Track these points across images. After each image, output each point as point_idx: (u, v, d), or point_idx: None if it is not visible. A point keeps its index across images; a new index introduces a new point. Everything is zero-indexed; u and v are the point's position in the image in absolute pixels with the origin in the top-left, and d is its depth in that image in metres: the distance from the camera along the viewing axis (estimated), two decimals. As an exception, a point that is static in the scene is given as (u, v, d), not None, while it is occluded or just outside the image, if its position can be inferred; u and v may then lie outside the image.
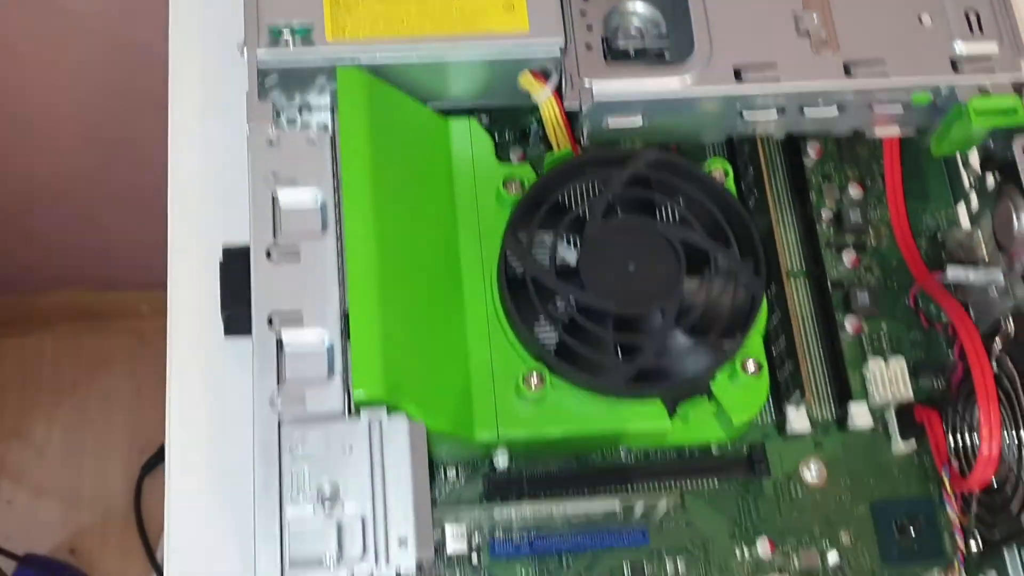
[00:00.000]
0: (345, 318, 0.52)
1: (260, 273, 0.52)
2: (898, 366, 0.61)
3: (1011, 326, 0.54)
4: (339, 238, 0.53)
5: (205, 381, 0.62)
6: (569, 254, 0.58)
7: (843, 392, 0.60)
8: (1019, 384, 0.53)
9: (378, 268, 0.53)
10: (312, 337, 0.51)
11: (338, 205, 0.54)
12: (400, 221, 0.55)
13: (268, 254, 0.53)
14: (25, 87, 1.06)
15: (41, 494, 1.33)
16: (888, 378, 0.60)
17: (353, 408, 0.50)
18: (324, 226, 0.53)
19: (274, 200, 0.54)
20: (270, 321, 0.51)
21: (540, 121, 0.61)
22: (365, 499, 0.48)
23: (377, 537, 0.48)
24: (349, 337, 0.51)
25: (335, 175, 0.54)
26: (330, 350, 0.51)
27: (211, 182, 0.66)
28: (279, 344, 0.51)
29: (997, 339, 0.55)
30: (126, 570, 1.31)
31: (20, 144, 1.15)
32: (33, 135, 1.14)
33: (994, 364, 0.54)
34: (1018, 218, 0.57)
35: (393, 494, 0.48)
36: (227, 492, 0.59)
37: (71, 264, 1.34)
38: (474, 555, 0.57)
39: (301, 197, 0.54)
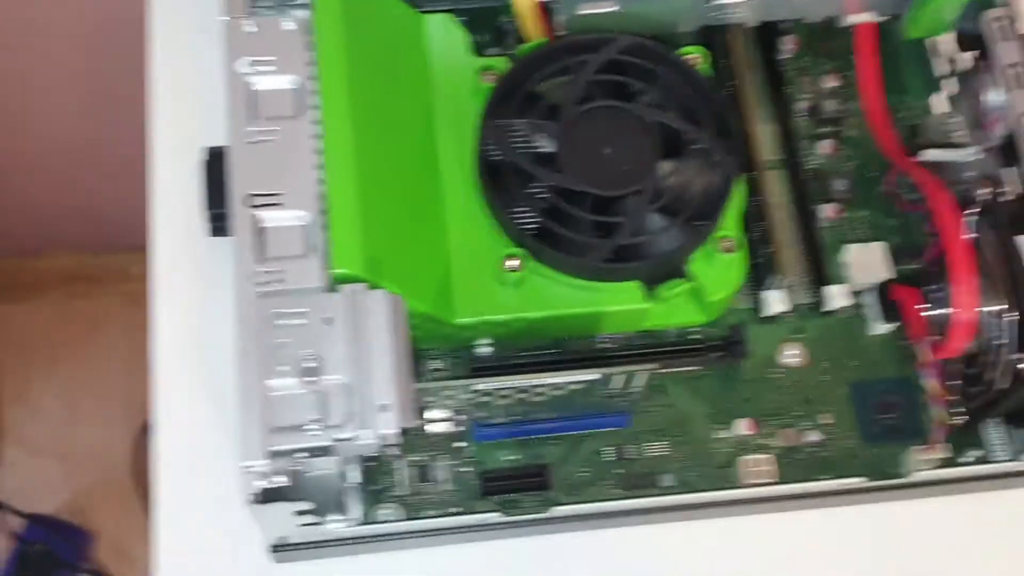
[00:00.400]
0: (323, 198, 0.52)
1: (238, 156, 0.53)
2: (877, 248, 0.61)
3: (984, 192, 0.54)
4: (316, 122, 0.54)
5: (190, 284, 0.62)
6: (544, 141, 0.59)
7: (821, 276, 0.61)
8: (993, 250, 0.53)
9: (354, 149, 0.53)
10: (291, 216, 0.52)
11: (313, 91, 0.54)
12: (375, 108, 0.55)
13: (245, 137, 0.53)
14: (6, 50, 1.06)
15: (42, 456, 1.34)
16: (868, 261, 0.61)
17: (332, 285, 0.51)
18: (300, 110, 0.54)
19: (249, 85, 0.54)
20: (249, 200, 0.52)
21: (515, 18, 0.62)
22: (346, 370, 0.49)
23: (359, 405, 0.48)
24: (327, 216, 0.52)
25: (311, 62, 0.55)
26: (308, 228, 0.52)
27: (193, 89, 0.66)
28: (258, 223, 0.51)
29: (970, 209, 0.55)
30: (129, 529, 1.32)
31: (4, 107, 1.15)
32: (18, 97, 1.14)
33: (968, 233, 0.55)
34: (990, 89, 0.57)
35: (375, 364, 0.49)
36: (217, 399, 0.59)
37: (61, 228, 1.34)
38: (458, 442, 0.57)
39: (277, 82, 0.54)
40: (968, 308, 0.53)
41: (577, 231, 0.56)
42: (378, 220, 0.53)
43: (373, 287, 0.51)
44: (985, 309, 0.54)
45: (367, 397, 0.48)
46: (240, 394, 0.48)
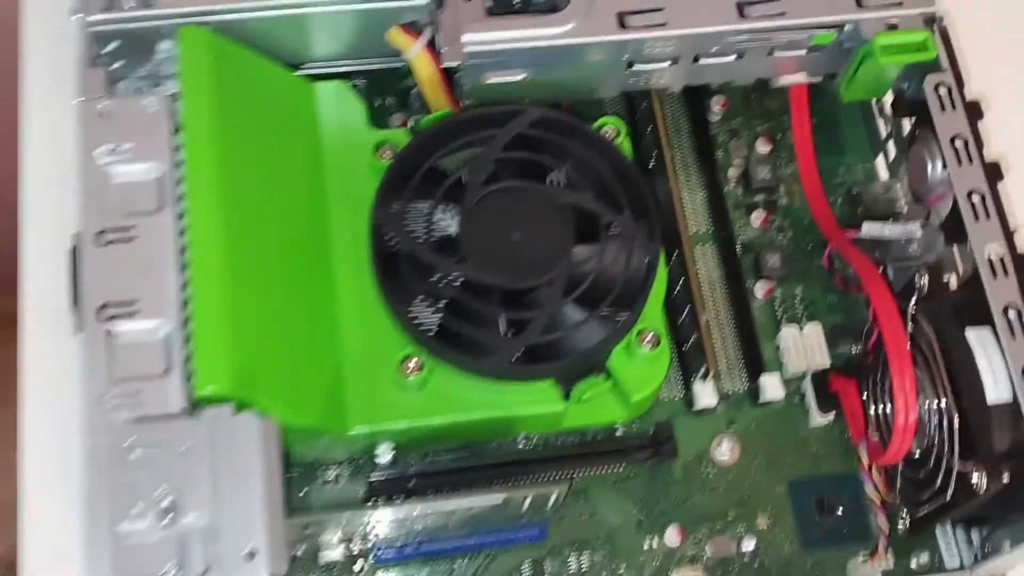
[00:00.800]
0: (186, 304, 0.46)
1: (90, 258, 0.47)
2: (814, 332, 0.56)
3: (924, 281, 0.49)
4: (180, 216, 0.48)
5: (59, 383, 0.56)
6: (450, 225, 0.53)
7: (755, 363, 0.56)
8: (936, 346, 0.48)
9: (224, 246, 0.47)
10: (148, 327, 0.46)
11: (178, 180, 0.48)
12: (253, 195, 0.50)
13: (98, 237, 0.47)
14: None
15: (-30, 509, 1.27)
16: (803, 346, 0.56)
17: (195, 406, 0.45)
18: (161, 203, 0.48)
19: (106, 176, 0.48)
20: (101, 312, 0.46)
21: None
22: (208, 509, 0.43)
23: (223, 552, 0.42)
24: (191, 326, 0.46)
25: (176, 146, 0.49)
26: (168, 341, 0.46)
27: (66, 172, 0.60)
28: (111, 337, 0.45)
29: (913, 299, 0.50)
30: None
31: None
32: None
33: (910, 325, 0.50)
34: (932, 162, 0.52)
35: (241, 502, 0.43)
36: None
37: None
38: (357, 562, 0.52)
39: (136, 172, 0.48)
40: (908, 413, 0.47)
41: (483, 329, 0.50)
42: (253, 326, 0.47)
43: (244, 407, 0.45)
44: (927, 405, 0.49)
45: (232, 541, 0.42)
46: (87, 539, 0.42)
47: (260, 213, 0.50)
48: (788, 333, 0.56)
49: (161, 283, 0.46)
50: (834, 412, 0.55)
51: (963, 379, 0.47)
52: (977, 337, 0.47)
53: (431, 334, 0.50)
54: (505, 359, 0.50)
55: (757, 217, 0.59)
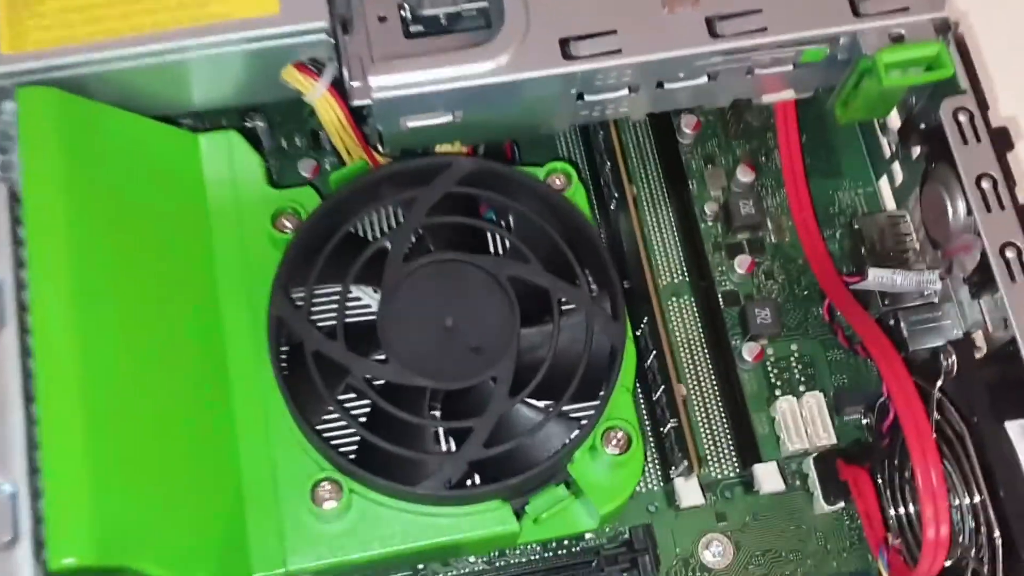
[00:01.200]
0: (35, 451, 0.37)
1: (-90, 399, 0.37)
2: (815, 404, 0.47)
3: (952, 360, 0.40)
4: (24, 333, 0.38)
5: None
6: (369, 308, 0.44)
7: (746, 445, 0.47)
8: (967, 438, 0.39)
9: (82, 372, 0.38)
10: (-13, 485, 0.37)
11: (22, 285, 0.39)
12: (119, 295, 0.40)
13: (-79, 370, 0.38)
14: None
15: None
16: (804, 419, 0.47)
17: (51, 583, 0.36)
18: (1, 319, 0.38)
19: (-74, 289, 0.38)
20: (-74, 468, 0.36)
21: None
22: None
23: None
24: (41, 482, 0.36)
25: (16, 240, 0.39)
26: (13, 501, 0.36)
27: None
28: (-60, 501, 0.36)
29: (938, 383, 0.41)
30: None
31: None
32: None
33: (934, 411, 0.41)
34: (952, 205, 0.43)
35: None
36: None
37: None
38: None
39: (-34, 281, 0.39)
40: (939, 526, 0.39)
41: (410, 444, 0.41)
42: (121, 473, 0.37)
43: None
44: (957, 503, 0.40)
45: None
46: None
47: (129, 319, 0.40)
48: (785, 406, 0.47)
49: (2, 427, 0.37)
50: (843, 501, 0.46)
51: (1002, 477, 0.39)
52: (1020, 431, 0.38)
53: (349, 453, 0.41)
54: (441, 483, 0.41)
55: (741, 262, 0.50)
